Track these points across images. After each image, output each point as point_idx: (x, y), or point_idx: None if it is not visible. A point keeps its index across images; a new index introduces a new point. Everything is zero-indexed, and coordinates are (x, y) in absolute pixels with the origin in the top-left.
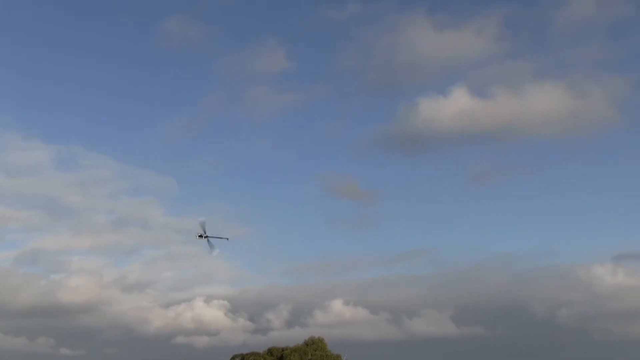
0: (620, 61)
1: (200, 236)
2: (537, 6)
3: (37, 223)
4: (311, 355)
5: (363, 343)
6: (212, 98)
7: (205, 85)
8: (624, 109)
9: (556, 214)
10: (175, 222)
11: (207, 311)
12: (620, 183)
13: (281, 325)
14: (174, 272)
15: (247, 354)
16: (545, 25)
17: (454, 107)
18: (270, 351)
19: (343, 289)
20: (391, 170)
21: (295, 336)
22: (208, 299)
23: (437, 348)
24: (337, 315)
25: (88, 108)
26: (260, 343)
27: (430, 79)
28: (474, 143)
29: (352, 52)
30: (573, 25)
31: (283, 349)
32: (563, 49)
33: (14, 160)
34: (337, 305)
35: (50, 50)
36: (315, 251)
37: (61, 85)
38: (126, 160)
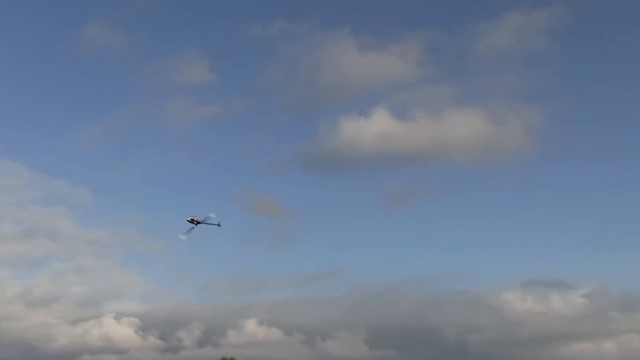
0: (536, 91)
1: (192, 221)
2: (460, 34)
3: None
4: None
5: None
6: (131, 107)
7: (125, 94)
8: (538, 138)
9: (469, 239)
10: (87, 234)
11: (116, 328)
12: (532, 211)
13: (193, 344)
14: (83, 286)
15: None
16: (466, 53)
17: (375, 128)
18: None
19: (257, 308)
20: (310, 189)
21: (207, 356)
22: (118, 316)
23: None
24: (251, 335)
25: None
26: None
27: (353, 99)
28: (393, 165)
29: (276, 68)
30: (493, 55)
31: None
32: (483, 77)
33: None
34: (251, 325)
35: None
36: (231, 269)
37: None
38: (38, 169)
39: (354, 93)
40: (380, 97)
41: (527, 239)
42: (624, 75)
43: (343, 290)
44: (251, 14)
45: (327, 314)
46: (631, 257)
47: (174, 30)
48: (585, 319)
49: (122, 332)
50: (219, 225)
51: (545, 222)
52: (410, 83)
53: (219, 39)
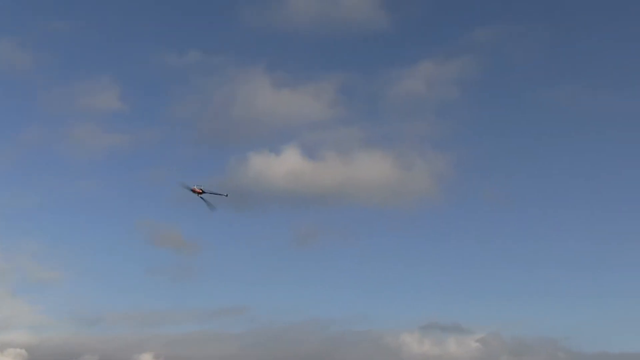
0: (443, 139)
1: (196, 191)
2: (374, 78)
3: None
4: None
5: None
6: (34, 131)
7: (27, 117)
8: (444, 184)
9: (372, 281)
10: None
11: None
12: (433, 255)
13: None
14: None
15: None
16: (379, 97)
17: (284, 166)
18: None
19: (155, 342)
20: (217, 222)
21: None
22: (2, 347)
23: None
24: None
25: None
26: None
27: (264, 135)
28: (301, 204)
29: (189, 100)
30: (404, 101)
31: None
32: (393, 122)
33: None
34: (147, 359)
35: None
36: (129, 301)
37: None
38: None
39: (265, 129)
40: (291, 135)
41: (427, 282)
42: (529, 128)
43: (245, 327)
44: (166, 43)
45: (227, 350)
46: (523, 304)
47: (84, 54)
48: None
49: None
50: (227, 195)
51: (445, 267)
52: (322, 123)
53: (132, 65)
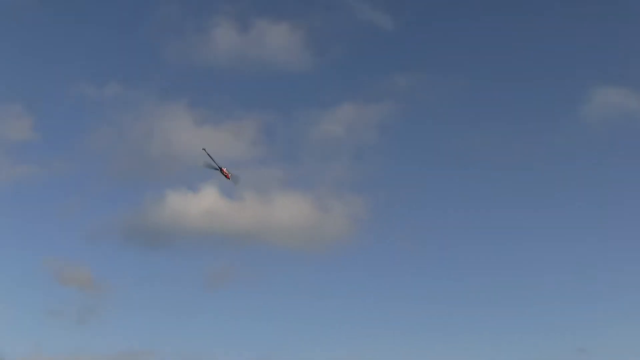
0: (360, 183)
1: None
2: (295, 119)
3: None
4: None
5: None
6: None
7: None
8: (360, 227)
9: (286, 322)
10: None
11: None
12: (348, 297)
13: None
14: None
15: None
16: (299, 139)
17: (202, 204)
18: None
19: None
20: (128, 261)
21: None
22: None
23: None
24: None
25: None
26: None
27: (182, 173)
28: (217, 243)
29: (105, 133)
30: (324, 143)
31: None
32: (313, 164)
33: None
34: None
35: None
36: (28, 344)
37: None
38: None
39: (184, 166)
40: (211, 173)
41: (341, 323)
42: (444, 173)
43: None
44: (84, 74)
45: None
46: (438, 342)
47: None
48: None
49: None
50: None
51: (360, 307)
52: (242, 162)
53: (46, 95)
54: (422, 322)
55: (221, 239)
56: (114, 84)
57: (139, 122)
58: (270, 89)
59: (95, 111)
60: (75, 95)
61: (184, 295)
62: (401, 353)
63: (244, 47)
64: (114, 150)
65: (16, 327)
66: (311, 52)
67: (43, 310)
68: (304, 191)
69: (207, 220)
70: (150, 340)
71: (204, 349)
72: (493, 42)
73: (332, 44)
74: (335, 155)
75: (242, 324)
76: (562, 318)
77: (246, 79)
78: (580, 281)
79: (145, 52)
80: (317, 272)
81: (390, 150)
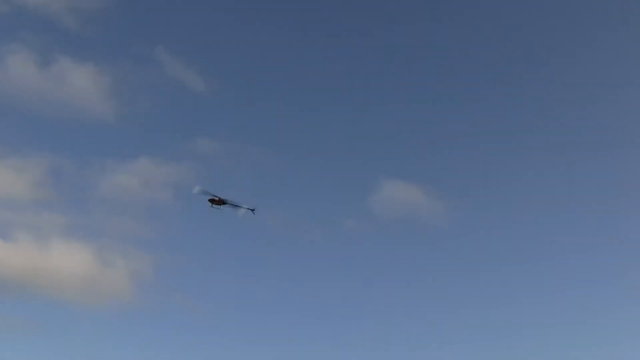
0: (148, 241)
1: (215, 200)
2: (88, 166)
3: None
4: None
5: None
6: None
7: None
8: (142, 286)
9: None
10: None
11: None
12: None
13: None
14: None
15: None
16: (91, 187)
17: None
18: None
19: None
20: None
21: None
22: None
23: None
24: None
25: None
26: None
27: None
28: None
29: None
30: (116, 196)
31: None
32: (100, 215)
33: None
34: None
35: None
36: None
37: None
38: None
39: None
40: None
41: None
42: (237, 238)
43: None
44: None
45: None
46: None
47: None
48: None
49: None
50: (253, 211)
51: None
52: (21, 204)
53: None
54: None
55: None
56: None
57: None
58: (66, 132)
59: None
60: None
61: None
62: None
63: (44, 85)
64: None
65: None
66: (116, 101)
67: None
68: (88, 242)
69: None
70: None
71: None
72: (300, 121)
73: (139, 96)
74: (126, 208)
75: None
76: None
77: (41, 118)
78: None
79: None
80: (91, 329)
81: (183, 211)
